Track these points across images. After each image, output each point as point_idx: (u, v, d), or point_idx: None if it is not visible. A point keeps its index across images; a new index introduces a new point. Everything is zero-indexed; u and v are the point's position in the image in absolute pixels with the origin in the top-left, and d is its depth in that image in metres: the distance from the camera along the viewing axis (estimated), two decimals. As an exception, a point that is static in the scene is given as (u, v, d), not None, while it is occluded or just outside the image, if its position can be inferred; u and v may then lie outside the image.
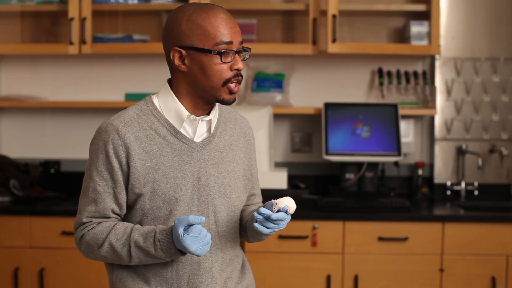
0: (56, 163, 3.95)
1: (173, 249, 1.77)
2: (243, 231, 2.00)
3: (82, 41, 3.62)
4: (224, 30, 1.81)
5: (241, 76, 1.86)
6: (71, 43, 3.62)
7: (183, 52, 1.83)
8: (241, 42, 1.86)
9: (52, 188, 3.86)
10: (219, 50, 1.81)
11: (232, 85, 1.84)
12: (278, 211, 1.81)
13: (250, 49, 1.90)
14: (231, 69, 1.84)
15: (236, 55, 1.84)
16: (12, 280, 3.37)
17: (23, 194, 3.60)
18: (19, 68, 3.98)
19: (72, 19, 3.61)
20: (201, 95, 1.87)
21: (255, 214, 1.81)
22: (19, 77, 3.98)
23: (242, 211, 2.03)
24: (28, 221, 3.37)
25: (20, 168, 3.69)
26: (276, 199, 1.83)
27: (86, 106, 3.83)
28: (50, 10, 3.76)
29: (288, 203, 1.82)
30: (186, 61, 1.84)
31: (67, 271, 3.36)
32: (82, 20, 3.61)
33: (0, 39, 3.89)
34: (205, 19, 1.81)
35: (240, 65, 1.84)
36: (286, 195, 1.89)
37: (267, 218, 1.81)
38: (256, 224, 1.82)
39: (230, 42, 1.82)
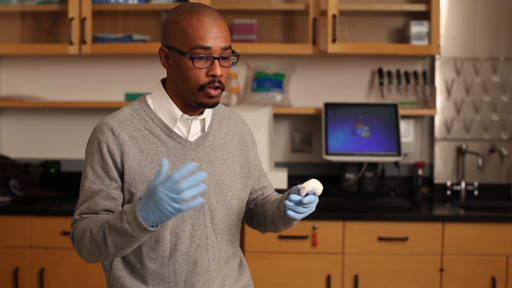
0: (56, 163, 3.95)
1: (138, 219, 1.67)
2: (271, 223, 1.98)
3: (82, 41, 3.62)
4: (203, 35, 1.79)
5: (220, 83, 1.82)
6: (71, 43, 3.62)
7: (167, 51, 1.84)
8: (226, 48, 1.81)
9: (52, 188, 3.86)
10: (192, 55, 1.79)
11: (210, 90, 1.81)
12: (307, 194, 1.82)
13: (238, 55, 1.86)
14: (207, 75, 1.81)
15: (216, 61, 1.80)
16: (12, 280, 3.37)
17: (23, 194, 3.60)
18: (19, 68, 3.98)
19: (72, 19, 3.61)
20: (183, 96, 1.87)
21: (287, 202, 1.81)
22: (19, 77, 3.98)
23: (263, 204, 2.03)
24: (28, 221, 3.37)
25: (20, 168, 3.70)
26: (302, 183, 1.85)
27: (86, 106, 3.83)
28: (50, 10, 3.76)
29: (315, 185, 1.83)
30: (169, 61, 1.85)
31: (67, 271, 3.36)
32: (82, 20, 3.61)
33: (0, 39, 3.89)
34: (188, 22, 1.80)
35: (217, 71, 1.80)
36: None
37: (298, 204, 1.82)
38: (289, 212, 1.82)
39: (208, 48, 1.79)
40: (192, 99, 1.85)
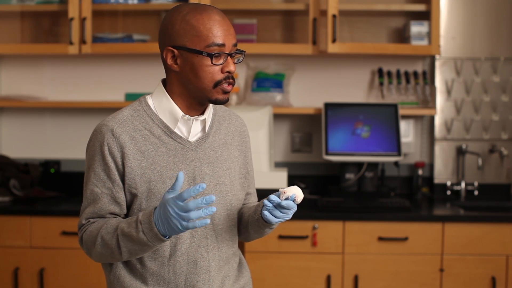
0: (56, 163, 3.95)
1: (154, 230, 1.71)
2: (244, 227, 1.99)
3: (82, 41, 3.62)
4: (216, 32, 1.81)
5: (233, 79, 1.85)
6: (71, 43, 3.62)
7: (176, 52, 1.84)
8: (235, 45, 1.86)
9: (52, 188, 3.86)
10: (210, 52, 1.81)
11: (225, 86, 1.84)
12: (286, 199, 1.81)
13: (244, 52, 1.89)
14: (222, 71, 1.83)
15: (228, 57, 1.83)
16: (12, 280, 3.37)
17: (23, 194, 3.60)
18: (19, 68, 3.98)
19: (72, 19, 3.61)
20: (194, 96, 1.87)
21: (265, 201, 1.81)
22: (19, 77, 3.98)
23: (240, 209, 2.02)
24: (28, 221, 3.37)
25: (20, 168, 3.70)
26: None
27: (86, 106, 3.83)
28: (50, 10, 3.76)
29: (296, 192, 1.81)
30: (178, 61, 1.85)
31: (67, 271, 3.36)
32: (82, 20, 3.61)
33: (0, 39, 3.89)
34: (199, 20, 1.81)
35: (231, 67, 1.83)
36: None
37: (276, 206, 1.81)
38: (265, 212, 1.81)
39: (222, 45, 1.82)
40: (205, 98, 1.86)
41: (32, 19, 3.91)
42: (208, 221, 1.66)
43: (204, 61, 1.81)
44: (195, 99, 1.88)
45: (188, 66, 1.83)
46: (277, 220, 1.83)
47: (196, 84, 1.84)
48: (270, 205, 1.81)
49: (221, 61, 1.82)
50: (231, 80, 1.85)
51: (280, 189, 1.82)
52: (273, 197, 1.80)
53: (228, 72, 1.83)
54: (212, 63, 1.81)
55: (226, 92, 1.85)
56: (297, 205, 1.85)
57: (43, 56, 3.94)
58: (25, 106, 3.85)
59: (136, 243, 1.76)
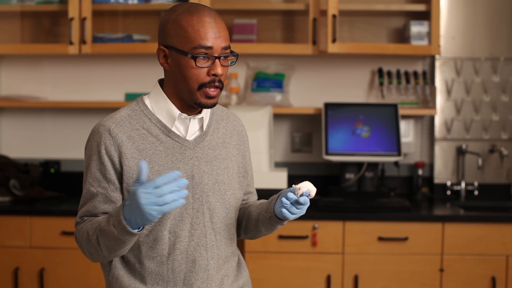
0: (56, 163, 3.95)
1: (122, 223, 1.69)
2: (253, 226, 1.99)
3: (82, 41, 3.62)
4: (204, 35, 1.80)
5: (220, 82, 1.83)
6: (71, 43, 3.62)
7: (167, 51, 1.85)
8: (226, 48, 1.83)
9: (52, 188, 3.86)
10: (194, 54, 1.80)
11: (209, 90, 1.83)
12: (301, 195, 1.82)
13: (238, 55, 1.87)
14: (208, 74, 1.82)
15: (216, 60, 1.81)
16: (12, 280, 3.37)
17: (23, 194, 3.60)
18: (19, 68, 3.98)
19: (72, 19, 3.61)
20: (182, 96, 1.87)
21: (283, 199, 1.82)
22: (19, 77, 3.98)
23: (246, 208, 2.03)
24: (28, 221, 3.37)
25: (20, 168, 3.70)
26: (297, 184, 1.85)
27: (86, 106, 3.83)
28: (50, 10, 3.76)
29: (310, 187, 1.84)
30: (169, 61, 1.86)
31: (67, 271, 3.36)
32: (82, 20, 3.61)
33: (0, 39, 3.89)
34: (188, 21, 1.81)
35: (218, 70, 1.81)
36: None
37: (293, 203, 1.83)
38: (283, 210, 1.83)
39: (210, 47, 1.80)
40: (191, 99, 1.85)
41: (32, 19, 3.91)
42: (182, 201, 1.64)
43: (189, 63, 1.81)
44: (183, 100, 1.88)
45: (176, 66, 1.84)
46: (294, 216, 1.85)
47: (182, 85, 1.84)
48: (288, 202, 1.82)
49: (207, 64, 1.81)
50: (217, 84, 1.83)
51: (294, 186, 1.83)
52: (291, 194, 1.81)
53: (215, 75, 1.82)
54: (195, 65, 1.80)
55: (210, 97, 1.84)
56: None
57: (43, 56, 3.94)
58: (25, 106, 3.85)
59: (110, 237, 1.74)
